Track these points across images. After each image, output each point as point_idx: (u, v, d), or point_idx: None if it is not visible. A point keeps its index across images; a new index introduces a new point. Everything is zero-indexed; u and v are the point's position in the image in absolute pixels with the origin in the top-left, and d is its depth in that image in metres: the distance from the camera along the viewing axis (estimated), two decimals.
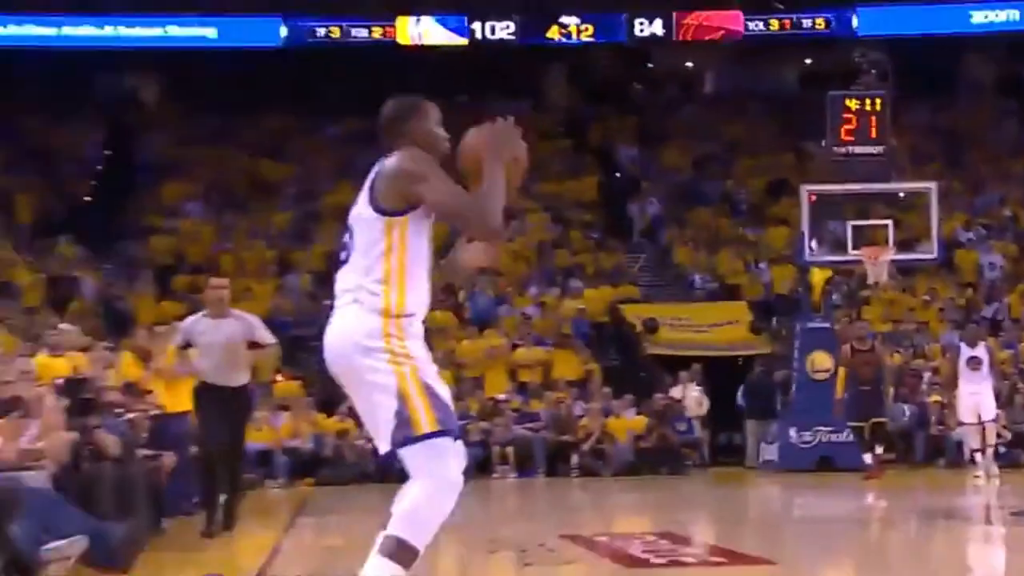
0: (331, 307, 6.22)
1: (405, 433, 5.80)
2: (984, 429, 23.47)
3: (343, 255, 6.21)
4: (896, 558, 12.32)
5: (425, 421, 5.79)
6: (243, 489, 13.29)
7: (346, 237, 6.21)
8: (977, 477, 22.23)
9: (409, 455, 5.86)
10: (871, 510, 17.11)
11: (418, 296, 6.07)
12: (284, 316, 30.74)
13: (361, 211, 6.12)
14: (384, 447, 5.91)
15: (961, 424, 24.38)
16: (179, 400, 14.45)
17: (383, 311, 5.95)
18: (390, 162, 6.09)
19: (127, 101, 41.95)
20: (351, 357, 5.97)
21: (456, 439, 5.98)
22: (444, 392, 5.99)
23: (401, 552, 5.75)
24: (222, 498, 13.04)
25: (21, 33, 39.85)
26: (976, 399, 23.42)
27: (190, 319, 12.93)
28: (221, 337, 12.38)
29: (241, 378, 12.67)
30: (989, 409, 23.43)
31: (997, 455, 23.49)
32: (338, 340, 6.05)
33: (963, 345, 24.27)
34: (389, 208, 6.00)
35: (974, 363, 23.29)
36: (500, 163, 6.14)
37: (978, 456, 23.49)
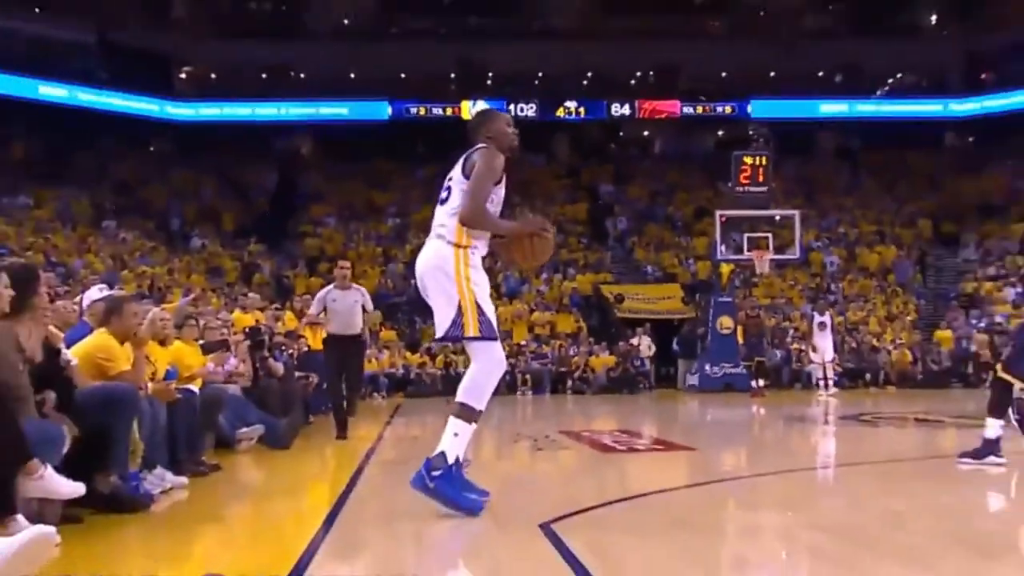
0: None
1: (457, 333, 5.84)
2: (825, 367, 23.58)
3: (443, 197, 6.10)
4: (769, 445, 12.39)
5: (474, 328, 5.82)
6: (356, 406, 12.84)
7: (444, 192, 6.11)
8: (820, 396, 22.31)
9: (468, 347, 5.95)
10: (755, 416, 17.09)
11: (480, 236, 6.00)
12: (386, 291, 30.98)
13: (457, 176, 6.03)
14: (440, 335, 5.95)
15: (811, 363, 24.57)
16: (318, 342, 14.53)
17: (455, 243, 5.91)
18: (484, 152, 6.03)
19: (291, 153, 41.94)
20: (433, 274, 5.93)
21: (495, 340, 5.94)
22: (489, 309, 5.94)
23: (466, 412, 5.84)
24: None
25: (229, 113, 40.21)
26: (821, 348, 23.58)
27: (324, 290, 12.27)
28: (346, 303, 11.80)
29: (357, 329, 11.97)
30: (829, 354, 23.58)
31: (833, 383, 23.58)
32: (425, 261, 6.00)
33: (815, 314, 24.39)
34: None
35: (821, 325, 23.67)
36: (515, 230, 6.11)
37: (821, 383, 23.61)
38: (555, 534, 5.25)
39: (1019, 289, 30.95)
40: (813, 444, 12.47)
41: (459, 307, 5.82)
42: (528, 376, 26.18)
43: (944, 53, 41.90)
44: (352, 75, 41.03)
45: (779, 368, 27.20)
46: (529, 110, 39.77)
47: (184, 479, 7.62)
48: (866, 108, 41.63)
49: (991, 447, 8.26)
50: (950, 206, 38.17)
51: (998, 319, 28.65)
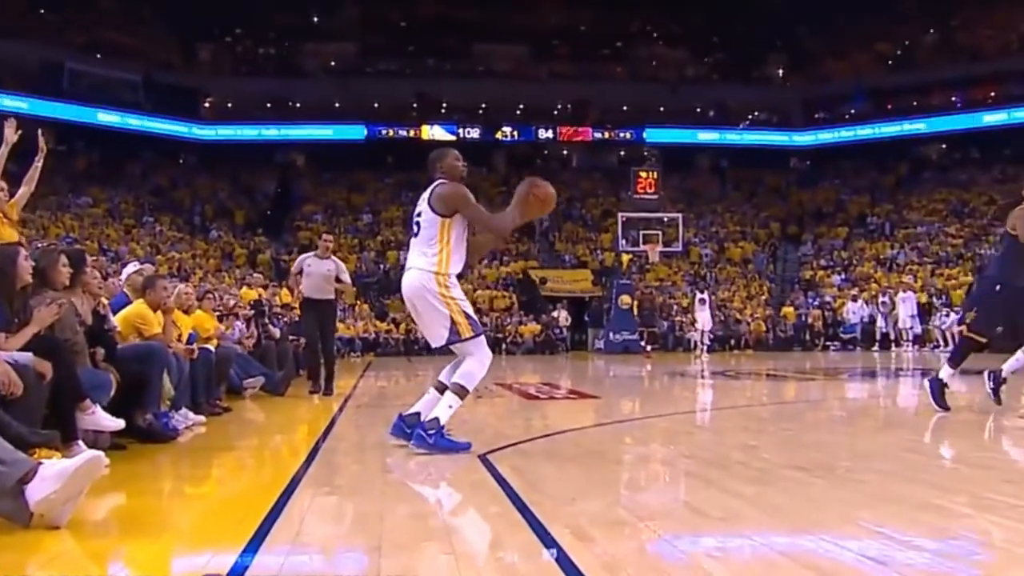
0: (401, 267, 6.03)
1: (456, 338, 5.60)
2: (703, 334, 23.80)
3: (415, 231, 5.75)
4: (656, 394, 12.49)
5: (467, 331, 5.60)
6: (334, 364, 11.18)
7: (414, 227, 5.76)
8: (698, 357, 22.51)
9: (461, 347, 5.65)
10: (647, 372, 17.23)
11: (457, 264, 5.70)
12: (361, 272, 30.85)
13: (424, 211, 5.69)
14: (438, 344, 5.66)
15: (692, 331, 24.75)
16: None
17: (436, 272, 5.63)
18: (446, 188, 5.70)
19: (288, 165, 41.56)
20: (421, 298, 5.62)
21: (483, 335, 5.77)
22: (472, 312, 5.74)
23: (462, 392, 5.63)
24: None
25: (240, 133, 39.82)
26: (701, 319, 23.78)
27: (304, 255, 11.07)
28: (320, 269, 10.58)
29: (328, 295, 10.72)
30: (707, 324, 23.78)
31: (707, 348, 23.84)
32: (412, 288, 5.66)
33: (697, 292, 24.61)
34: (443, 213, 5.64)
35: (701, 302, 23.88)
36: (521, 210, 5.77)
37: (701, 347, 23.82)
38: (489, 462, 5.26)
39: (842, 276, 31.53)
40: (690, 393, 12.58)
41: (451, 319, 5.57)
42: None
43: (788, 98, 42.52)
44: (337, 104, 40.81)
45: (666, 335, 27.39)
46: (474, 133, 39.78)
47: (203, 418, 7.57)
48: (732, 137, 41.98)
49: (939, 385, 7.65)
50: (793, 213, 38.73)
51: (827, 299, 29.14)
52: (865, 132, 40.56)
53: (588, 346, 28.17)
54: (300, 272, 10.78)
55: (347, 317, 25.94)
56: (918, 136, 39.52)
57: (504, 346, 26.32)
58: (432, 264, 5.65)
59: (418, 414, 5.82)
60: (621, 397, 11.66)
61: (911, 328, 24.57)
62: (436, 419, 5.61)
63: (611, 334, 26.03)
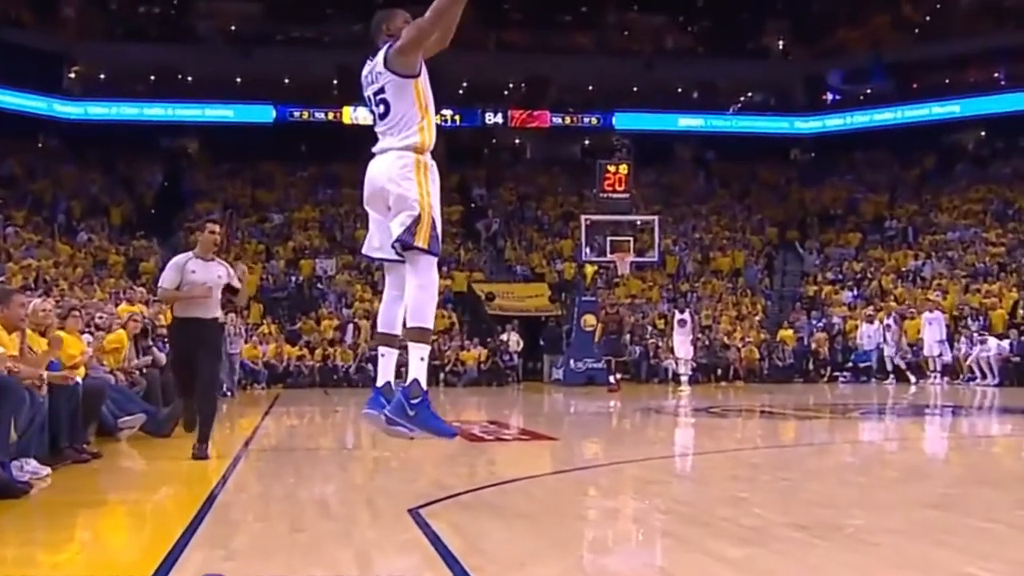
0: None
1: (408, 239, 5.39)
2: (682, 362, 24.00)
3: (381, 111, 5.68)
4: (626, 436, 12.53)
5: (424, 240, 5.38)
6: (213, 414, 9.13)
7: (378, 107, 5.68)
8: (677, 391, 22.59)
9: (411, 258, 5.45)
10: (613, 408, 17.27)
11: (434, 135, 5.66)
12: (268, 286, 30.78)
13: (387, 79, 5.62)
14: (389, 240, 5.49)
15: (669, 358, 24.93)
16: None
17: (416, 148, 5.55)
18: (399, 41, 5.63)
19: (178, 153, 41.25)
20: (396, 181, 5.50)
21: (437, 257, 5.52)
22: (439, 224, 5.52)
23: (423, 334, 5.48)
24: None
25: (117, 112, 39.41)
26: (680, 344, 23.98)
27: (181, 257, 9.09)
28: (208, 276, 8.86)
29: (215, 312, 9.02)
30: (688, 350, 23.98)
31: (690, 378, 24.01)
32: (385, 170, 5.58)
33: (676, 312, 24.82)
34: (409, 71, 5.61)
35: (681, 323, 23.98)
36: None
37: (682, 377, 23.98)
38: (423, 518, 5.24)
39: (854, 292, 31.85)
40: (667, 434, 12.64)
41: (417, 216, 5.40)
42: (403, 369, 26.03)
43: (790, 75, 43.10)
44: (238, 79, 40.58)
45: (638, 363, 27.47)
46: None
47: (47, 469, 7.07)
48: (720, 123, 42.44)
49: None
50: (794, 215, 39.19)
51: (835, 320, 29.45)
52: (884, 117, 40.98)
53: (544, 376, 28.11)
54: (179, 286, 8.85)
55: (250, 336, 25.72)
56: (951, 121, 39.80)
57: (442, 376, 26.16)
58: (413, 140, 5.59)
59: (389, 384, 5.76)
60: (583, 438, 11.69)
61: (940, 356, 24.89)
62: (416, 382, 5.47)
63: (572, 361, 26.02)
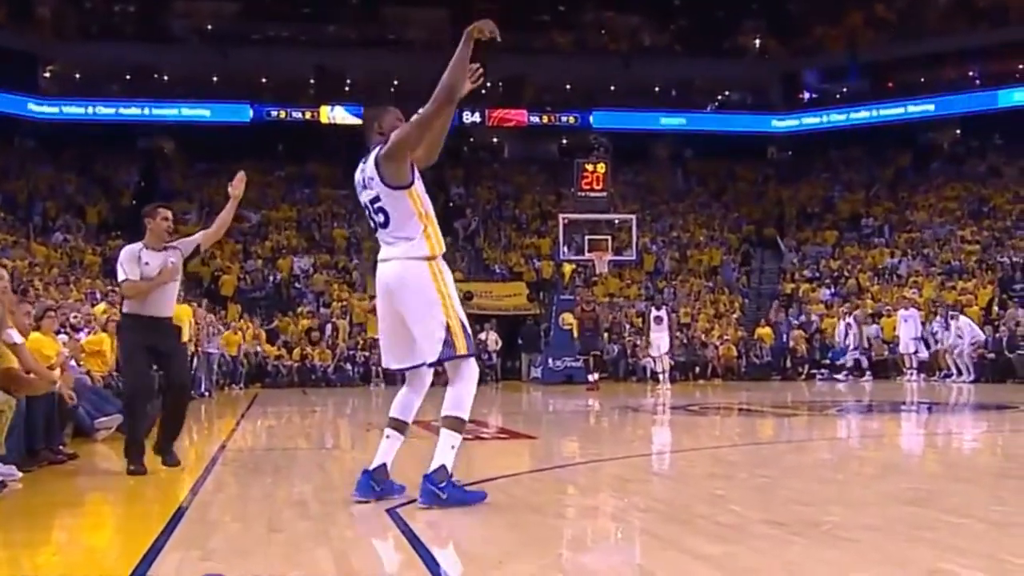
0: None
1: (450, 352, 5.53)
2: (659, 359, 24.01)
3: (381, 221, 5.69)
4: (604, 434, 12.55)
5: (463, 346, 5.55)
6: (184, 417, 8.29)
7: (378, 216, 5.69)
8: (655, 388, 22.68)
9: (453, 366, 5.63)
10: (592, 407, 17.29)
11: (440, 241, 5.80)
12: (245, 286, 30.68)
13: (381, 190, 5.65)
14: (430, 359, 5.63)
15: (647, 356, 24.97)
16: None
17: (427, 257, 5.66)
18: (387, 147, 5.65)
19: (155, 152, 41.05)
20: (412, 295, 5.61)
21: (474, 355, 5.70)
22: (466, 322, 5.69)
23: (460, 424, 5.67)
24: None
25: (93, 112, 39.27)
26: (658, 341, 23.98)
27: (133, 247, 8.05)
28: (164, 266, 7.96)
29: (172, 311, 8.22)
30: (665, 347, 23.99)
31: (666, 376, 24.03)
32: (398, 280, 5.65)
33: (653, 309, 24.86)
34: (402, 181, 5.66)
35: (657, 320, 24.00)
36: (464, 48, 5.81)
37: (661, 376, 24.01)
38: (400, 516, 5.25)
39: (832, 290, 31.98)
40: (645, 432, 12.66)
41: (448, 327, 5.52)
42: (381, 369, 26.00)
43: (767, 74, 43.35)
44: (215, 78, 40.49)
45: (616, 361, 27.52)
46: None
47: (17, 473, 7.03)
48: (698, 122, 42.53)
49: None
50: (772, 213, 39.34)
51: (813, 318, 29.56)
52: (860, 115, 41.31)
53: (522, 375, 28.17)
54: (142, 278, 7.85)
55: (217, 330, 25.53)
56: (926, 119, 40.23)
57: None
58: (421, 248, 5.65)
59: (384, 466, 5.84)
60: (562, 437, 11.69)
61: (915, 353, 25.04)
62: (443, 467, 5.58)
63: (550, 360, 26.09)
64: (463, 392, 5.67)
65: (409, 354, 5.79)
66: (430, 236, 5.70)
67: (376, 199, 5.69)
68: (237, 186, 8.24)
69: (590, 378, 22.93)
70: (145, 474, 7.48)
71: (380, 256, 5.78)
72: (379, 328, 5.99)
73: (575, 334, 24.99)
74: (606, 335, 27.48)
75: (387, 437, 5.97)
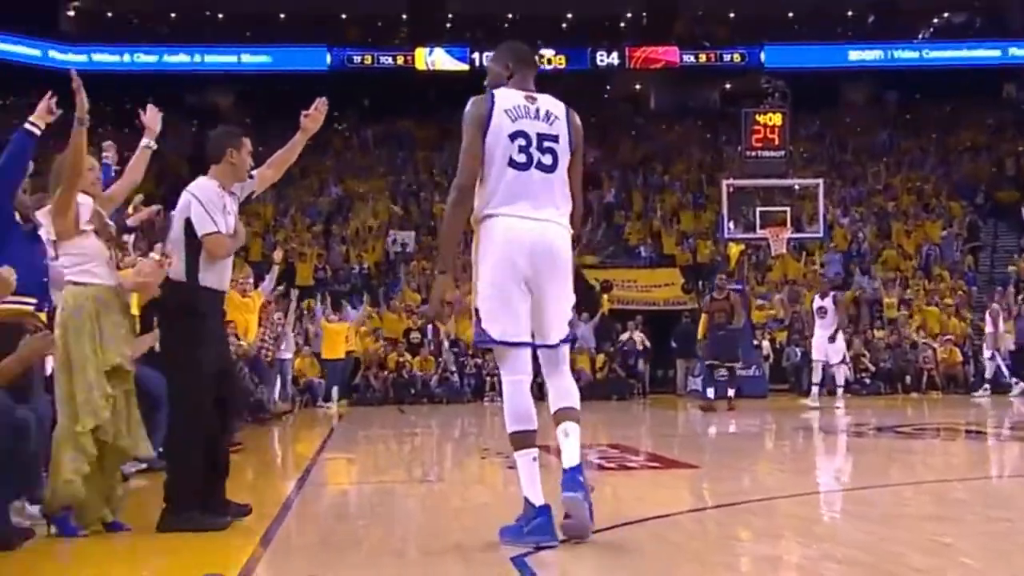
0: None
1: (571, 331, 6.31)
2: (839, 368, 22.59)
3: (548, 163, 6.16)
4: (785, 461, 12.45)
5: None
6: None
7: (546, 155, 6.17)
8: (826, 402, 21.71)
9: (566, 351, 6.32)
10: (767, 427, 17.16)
11: None
12: (325, 277, 30.95)
13: (563, 134, 6.22)
14: (561, 337, 6.20)
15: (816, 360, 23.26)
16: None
17: (571, 234, 6.22)
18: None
19: (208, 109, 41.73)
20: (567, 265, 6.15)
21: None
22: None
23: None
24: None
25: (129, 60, 40.06)
26: (821, 342, 22.11)
27: (200, 185, 7.52)
28: (232, 215, 7.57)
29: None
30: (837, 351, 22.24)
31: (843, 388, 22.79)
32: (564, 246, 6.15)
33: (816, 298, 22.72)
34: (575, 149, 6.26)
35: (820, 311, 22.07)
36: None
37: (837, 389, 22.58)
38: (528, 567, 5.28)
39: None
40: (839, 460, 12.52)
41: (572, 304, 6.22)
42: (496, 379, 26.07)
43: None
44: (282, 15, 40.95)
45: (799, 368, 27.12)
46: None
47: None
48: (905, 56, 41.76)
49: None
50: (1007, 172, 38.39)
51: None
52: None
53: (676, 386, 28.12)
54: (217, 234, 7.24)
55: (321, 317, 25.46)
56: None
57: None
58: (567, 219, 6.21)
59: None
60: (730, 466, 11.61)
61: None
62: (526, 499, 6.00)
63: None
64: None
65: (557, 330, 6.19)
66: (574, 212, 6.26)
67: (554, 139, 6.16)
68: (315, 116, 8.27)
69: (709, 393, 21.50)
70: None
71: (536, 213, 6.06)
72: (502, 305, 6.09)
73: (700, 332, 23.31)
74: (764, 333, 27.16)
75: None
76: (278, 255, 20.91)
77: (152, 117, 8.56)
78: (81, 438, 6.57)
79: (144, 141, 8.34)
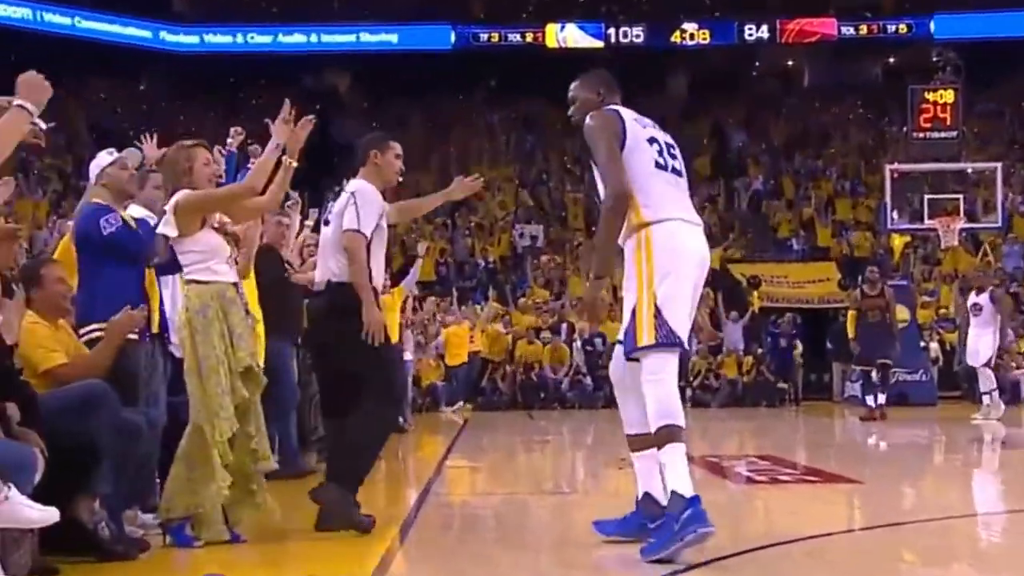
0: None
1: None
2: (984, 373, 21.85)
3: (678, 170, 6.65)
4: (958, 478, 12.26)
5: None
6: None
7: (675, 163, 6.65)
8: (975, 416, 21.06)
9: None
10: (936, 438, 16.93)
11: None
12: (446, 274, 31.01)
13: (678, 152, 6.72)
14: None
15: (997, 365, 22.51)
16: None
17: None
18: None
19: (325, 92, 42.00)
20: None
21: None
22: None
23: (678, 432, 6.28)
24: None
25: (243, 41, 40.56)
26: (974, 343, 21.20)
27: (359, 187, 7.86)
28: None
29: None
30: (986, 353, 21.47)
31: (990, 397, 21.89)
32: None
33: (972, 294, 21.99)
34: None
35: (975, 309, 21.29)
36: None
37: (984, 396, 21.70)
38: None
39: None
40: (1020, 477, 12.29)
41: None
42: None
43: None
44: None
45: (970, 374, 26.68)
46: (634, 36, 39.97)
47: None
48: None
49: None
50: None
51: None
52: None
53: (833, 392, 27.88)
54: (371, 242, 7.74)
55: (444, 317, 25.52)
56: None
57: (689, 393, 25.99)
58: None
59: (648, 495, 6.49)
60: (896, 482, 11.45)
61: None
62: (675, 493, 6.05)
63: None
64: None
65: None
66: None
67: (674, 146, 6.72)
68: (282, 128, 8.07)
69: (869, 401, 20.93)
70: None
71: (692, 216, 6.57)
72: (683, 308, 6.40)
73: (850, 332, 22.46)
74: (935, 336, 26.81)
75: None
76: (423, 247, 21.23)
77: (281, 129, 8.07)
78: (219, 446, 6.69)
79: (285, 160, 8.17)
